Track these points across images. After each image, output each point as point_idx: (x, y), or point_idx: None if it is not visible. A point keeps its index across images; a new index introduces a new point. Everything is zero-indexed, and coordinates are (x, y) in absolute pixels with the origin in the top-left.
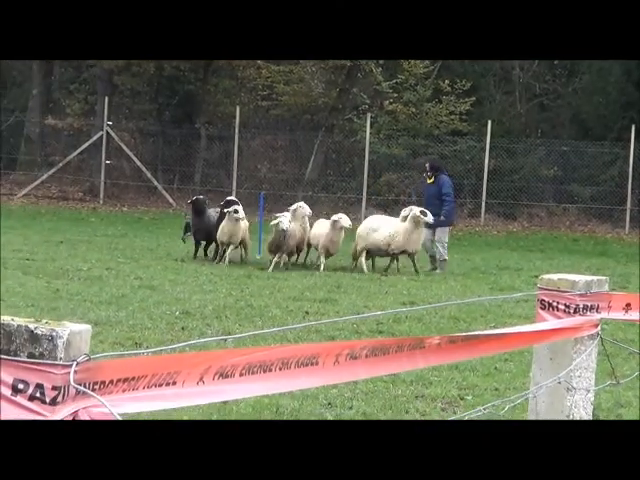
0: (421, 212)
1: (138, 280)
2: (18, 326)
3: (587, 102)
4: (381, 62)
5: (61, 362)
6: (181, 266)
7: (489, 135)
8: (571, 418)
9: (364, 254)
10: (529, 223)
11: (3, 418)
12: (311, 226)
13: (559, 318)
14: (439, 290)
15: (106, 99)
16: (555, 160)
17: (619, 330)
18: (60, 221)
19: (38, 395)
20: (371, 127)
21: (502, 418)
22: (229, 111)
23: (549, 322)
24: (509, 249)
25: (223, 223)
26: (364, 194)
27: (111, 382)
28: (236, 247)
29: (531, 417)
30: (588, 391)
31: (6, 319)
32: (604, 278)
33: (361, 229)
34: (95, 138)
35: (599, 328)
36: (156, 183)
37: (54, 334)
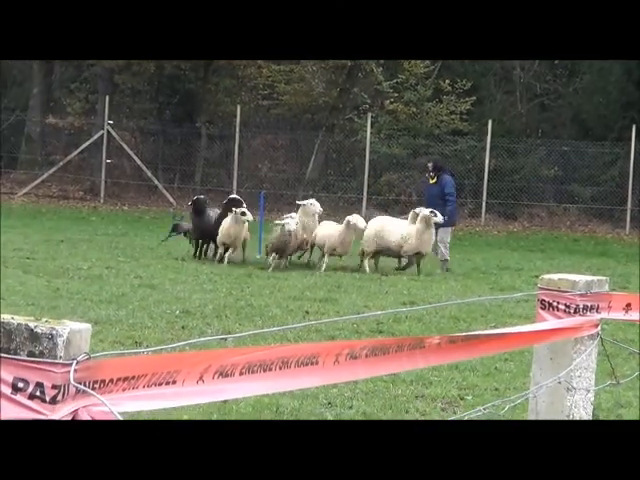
0: (431, 212)
1: (138, 279)
2: (18, 325)
3: (588, 102)
4: (382, 62)
5: (61, 361)
6: (181, 265)
7: (490, 135)
8: (571, 418)
9: (370, 255)
10: (529, 223)
11: (3, 417)
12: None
13: (559, 318)
14: (439, 290)
15: (107, 98)
16: (556, 160)
17: (619, 330)
18: (61, 220)
19: (38, 394)
20: (372, 127)
21: (502, 418)
22: (230, 110)
23: (549, 322)
24: (509, 249)
25: (227, 224)
26: (364, 194)
27: (111, 381)
28: (236, 249)
29: (531, 417)
30: (588, 391)
31: (6, 318)
32: (604, 278)
33: (370, 231)
34: (96, 137)
35: (599, 328)
36: (156, 182)
37: (54, 333)
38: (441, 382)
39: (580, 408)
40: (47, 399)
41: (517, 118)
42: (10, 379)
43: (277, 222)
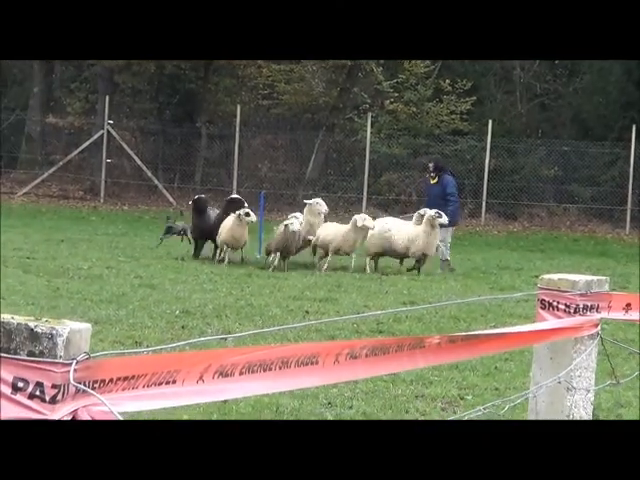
0: (436, 213)
1: (138, 279)
2: (18, 324)
3: (588, 102)
4: (382, 62)
5: (61, 360)
6: (181, 265)
7: (490, 135)
8: (571, 418)
9: (372, 256)
10: (529, 223)
11: (3, 416)
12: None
13: (559, 318)
14: (439, 290)
15: (107, 98)
16: (556, 160)
17: (619, 330)
18: (61, 220)
19: (38, 393)
20: (372, 126)
21: (502, 418)
22: (230, 110)
23: (549, 322)
24: (509, 249)
25: (230, 225)
26: (365, 194)
27: (111, 381)
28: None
29: (531, 417)
30: (588, 391)
31: (6, 317)
32: (604, 278)
33: (375, 232)
34: (96, 137)
35: (599, 328)
36: (157, 182)
37: (54, 332)
38: (441, 382)
39: (580, 408)
40: (47, 399)
41: (517, 118)
42: (10, 379)
43: (284, 222)
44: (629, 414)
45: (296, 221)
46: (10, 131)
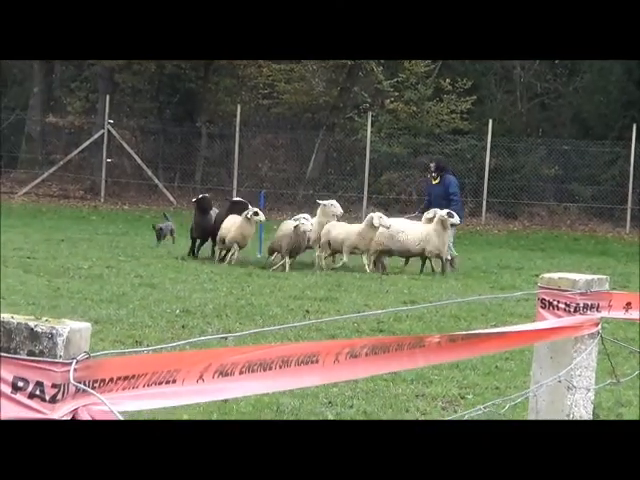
0: (447, 214)
1: (139, 278)
2: (18, 324)
3: (588, 101)
4: (382, 61)
5: (61, 360)
6: (182, 264)
7: (490, 134)
8: (571, 417)
9: (377, 254)
10: (530, 222)
11: (3, 416)
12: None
13: (559, 317)
14: (440, 289)
15: (107, 97)
16: (556, 159)
17: (619, 329)
18: (61, 219)
19: (38, 393)
20: (372, 126)
21: (502, 417)
22: (230, 109)
23: (549, 321)
24: (510, 248)
25: (239, 223)
26: (365, 193)
27: (111, 380)
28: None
29: (531, 416)
30: (588, 390)
31: (6, 317)
32: (604, 277)
33: (385, 230)
34: (96, 136)
35: (599, 327)
36: (157, 181)
37: (54, 332)
38: (441, 381)
39: (580, 407)
40: (47, 398)
41: (517, 117)
42: (10, 378)
43: (290, 222)
44: (629, 413)
45: (306, 222)
46: (10, 131)
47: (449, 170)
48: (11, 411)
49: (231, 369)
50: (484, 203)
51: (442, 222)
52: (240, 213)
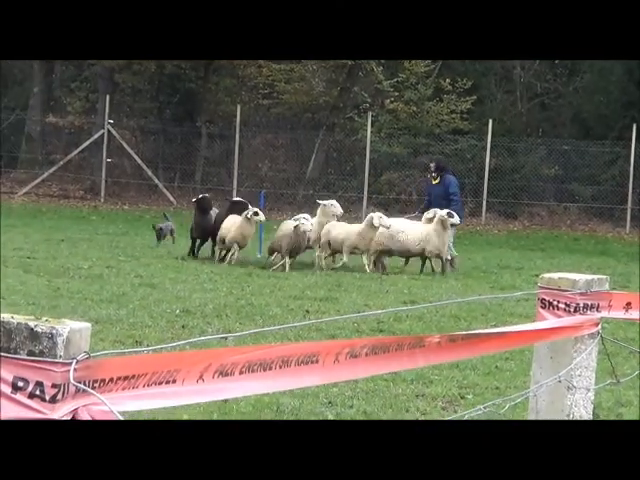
0: (448, 214)
1: (139, 278)
2: (18, 324)
3: (588, 101)
4: (382, 61)
5: (61, 360)
6: (182, 264)
7: (490, 134)
8: (571, 417)
9: (376, 254)
10: (530, 222)
11: (3, 416)
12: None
13: (559, 317)
14: (440, 289)
15: (107, 97)
16: (556, 159)
17: (619, 329)
18: (61, 219)
19: (38, 393)
20: (372, 126)
21: (502, 417)
22: (230, 109)
23: (549, 321)
24: (510, 248)
25: (238, 224)
26: (365, 193)
27: (111, 380)
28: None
29: (531, 416)
30: (588, 390)
31: (6, 317)
32: (605, 277)
33: (385, 230)
34: (96, 136)
35: (599, 327)
36: (157, 181)
37: (54, 332)
38: (441, 381)
39: (580, 407)
40: (47, 398)
41: (517, 117)
42: (10, 378)
43: (290, 222)
44: (629, 413)
45: (306, 222)
46: (10, 131)
47: (449, 170)
48: (11, 411)
49: (231, 369)
50: (484, 203)
51: (442, 222)
52: (240, 213)
